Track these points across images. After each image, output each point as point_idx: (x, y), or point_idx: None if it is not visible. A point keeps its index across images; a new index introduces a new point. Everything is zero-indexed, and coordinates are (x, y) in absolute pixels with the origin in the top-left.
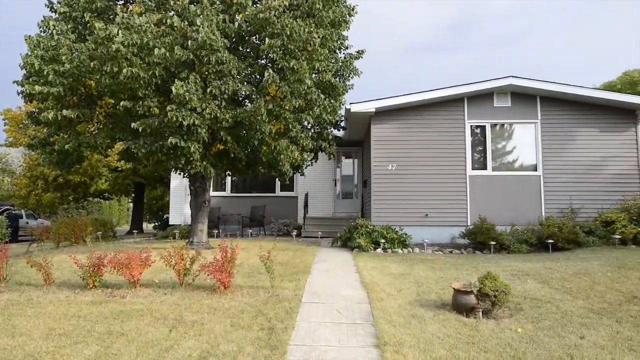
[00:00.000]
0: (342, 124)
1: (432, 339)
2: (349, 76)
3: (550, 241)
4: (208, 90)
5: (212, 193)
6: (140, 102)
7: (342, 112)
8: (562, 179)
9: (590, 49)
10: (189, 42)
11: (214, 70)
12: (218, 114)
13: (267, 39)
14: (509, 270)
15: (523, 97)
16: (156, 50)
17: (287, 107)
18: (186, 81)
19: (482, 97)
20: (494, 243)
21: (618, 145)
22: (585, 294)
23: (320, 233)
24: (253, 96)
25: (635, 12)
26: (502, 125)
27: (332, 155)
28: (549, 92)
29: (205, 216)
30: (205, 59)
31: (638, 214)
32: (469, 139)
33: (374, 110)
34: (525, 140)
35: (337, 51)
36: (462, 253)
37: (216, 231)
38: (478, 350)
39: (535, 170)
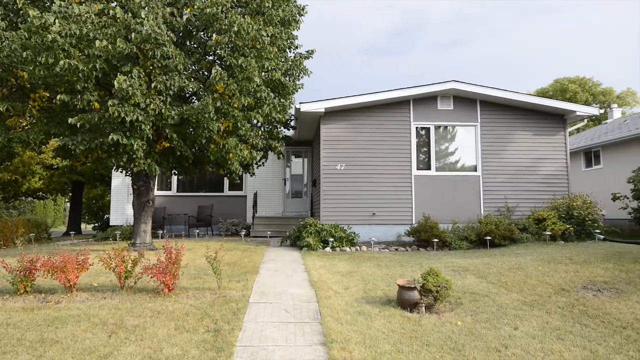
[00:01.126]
0: (292, 123)
1: (378, 334)
2: (299, 75)
3: (488, 238)
4: (153, 85)
5: (156, 192)
6: (79, 96)
7: (292, 111)
8: (499, 179)
9: (525, 56)
10: (133, 34)
11: (159, 64)
12: (163, 110)
13: (214, 35)
14: (451, 266)
15: (464, 101)
16: (97, 42)
17: (236, 105)
18: (129, 75)
19: (427, 100)
20: (437, 240)
21: (549, 147)
22: (519, 287)
23: (269, 232)
24: (200, 93)
25: (564, 26)
26: (445, 127)
27: (281, 155)
28: (488, 97)
29: (149, 216)
30: (150, 52)
31: (566, 212)
32: (414, 140)
33: (323, 110)
34: (466, 142)
35: (287, 50)
36: (407, 250)
37: (161, 232)
38: (421, 344)
39: (475, 170)
